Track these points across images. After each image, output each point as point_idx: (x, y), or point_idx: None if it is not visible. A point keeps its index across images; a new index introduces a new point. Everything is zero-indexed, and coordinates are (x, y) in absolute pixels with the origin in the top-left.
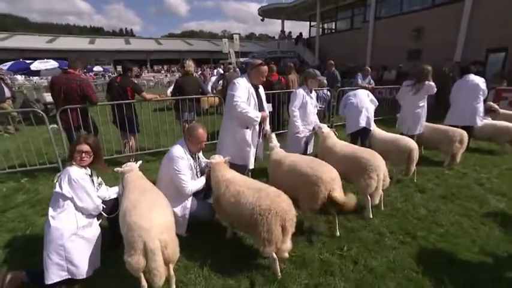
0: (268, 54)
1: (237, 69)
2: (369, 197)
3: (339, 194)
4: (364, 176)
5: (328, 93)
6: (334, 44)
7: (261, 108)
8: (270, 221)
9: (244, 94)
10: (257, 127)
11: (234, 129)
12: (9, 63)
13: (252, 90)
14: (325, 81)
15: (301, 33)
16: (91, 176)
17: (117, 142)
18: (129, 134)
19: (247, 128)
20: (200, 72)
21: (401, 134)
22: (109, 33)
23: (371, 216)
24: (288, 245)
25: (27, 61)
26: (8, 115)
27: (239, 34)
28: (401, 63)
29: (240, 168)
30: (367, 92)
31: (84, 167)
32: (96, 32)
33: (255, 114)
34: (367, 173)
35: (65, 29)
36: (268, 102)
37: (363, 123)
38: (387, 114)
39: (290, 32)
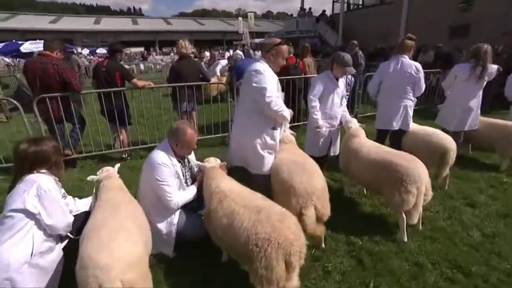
0: (286, 35)
1: (251, 51)
2: (404, 215)
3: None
4: (400, 189)
5: (353, 79)
6: (360, 22)
7: None
8: (270, 255)
9: (275, 86)
10: (283, 125)
11: (264, 132)
12: (1, 45)
13: (277, 78)
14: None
15: (324, 11)
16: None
17: (108, 134)
18: (120, 127)
19: (274, 128)
20: (209, 52)
21: (443, 129)
22: (116, 12)
23: (405, 239)
24: (294, 283)
25: (20, 42)
26: None
27: (254, 12)
28: (441, 42)
29: (262, 179)
30: None
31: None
32: (102, 10)
33: (287, 112)
34: (404, 185)
35: (71, 8)
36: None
37: (396, 126)
38: (423, 104)
39: (310, 9)
